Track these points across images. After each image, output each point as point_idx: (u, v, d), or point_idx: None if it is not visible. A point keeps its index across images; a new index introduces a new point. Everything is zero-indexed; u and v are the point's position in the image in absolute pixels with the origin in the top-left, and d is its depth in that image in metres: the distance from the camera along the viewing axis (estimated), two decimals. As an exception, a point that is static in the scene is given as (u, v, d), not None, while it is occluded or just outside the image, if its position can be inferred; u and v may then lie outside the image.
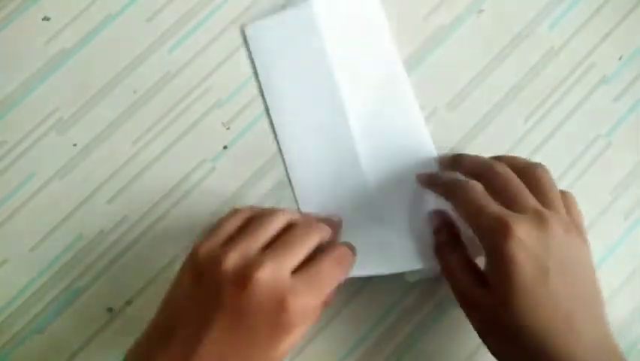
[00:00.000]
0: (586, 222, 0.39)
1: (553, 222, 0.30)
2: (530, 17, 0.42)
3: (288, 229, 0.33)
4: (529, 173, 0.33)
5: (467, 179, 0.34)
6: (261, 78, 0.41)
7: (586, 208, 0.39)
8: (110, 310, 0.39)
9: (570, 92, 0.41)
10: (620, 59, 0.41)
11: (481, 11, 0.42)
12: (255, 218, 0.33)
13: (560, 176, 0.40)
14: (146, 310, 0.38)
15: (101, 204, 0.40)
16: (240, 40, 0.42)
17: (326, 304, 0.33)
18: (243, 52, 0.42)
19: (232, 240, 0.31)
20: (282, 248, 0.31)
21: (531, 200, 0.32)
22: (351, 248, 0.34)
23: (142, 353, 0.31)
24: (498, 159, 0.36)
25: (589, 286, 0.31)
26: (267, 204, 0.40)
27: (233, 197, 0.40)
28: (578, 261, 0.31)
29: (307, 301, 0.30)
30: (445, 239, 0.36)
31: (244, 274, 0.29)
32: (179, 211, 0.40)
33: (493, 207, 0.31)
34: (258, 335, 0.29)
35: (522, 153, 0.40)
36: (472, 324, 0.33)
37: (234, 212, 0.34)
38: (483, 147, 0.40)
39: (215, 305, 0.29)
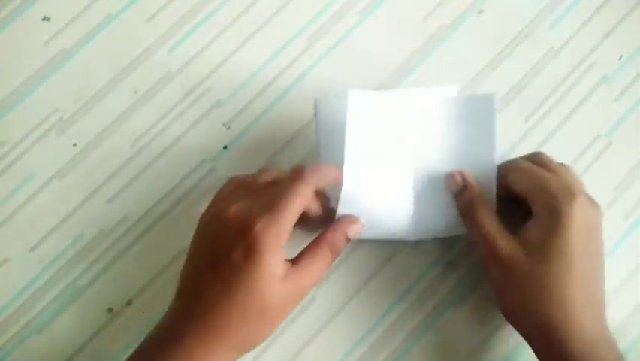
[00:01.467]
0: (586, 222, 0.39)
1: (599, 211, 0.34)
2: (530, 17, 0.42)
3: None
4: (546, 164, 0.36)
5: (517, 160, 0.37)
6: (321, 148, 0.38)
7: (586, 208, 0.39)
8: (110, 310, 0.39)
9: (570, 92, 0.41)
10: (620, 59, 0.41)
11: (481, 11, 0.42)
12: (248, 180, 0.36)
13: (560, 176, 0.40)
14: (146, 310, 0.38)
15: (101, 204, 0.40)
16: (240, 41, 0.42)
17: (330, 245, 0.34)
18: (242, 52, 0.42)
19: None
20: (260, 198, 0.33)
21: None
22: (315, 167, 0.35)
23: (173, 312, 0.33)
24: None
25: (602, 272, 0.34)
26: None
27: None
28: (601, 249, 0.34)
29: (270, 221, 0.31)
30: (474, 195, 0.35)
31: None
32: (179, 211, 0.40)
33: (554, 177, 0.34)
34: (234, 260, 0.31)
35: (522, 152, 0.40)
36: (491, 279, 0.35)
37: (229, 180, 0.37)
38: (483, 147, 0.40)
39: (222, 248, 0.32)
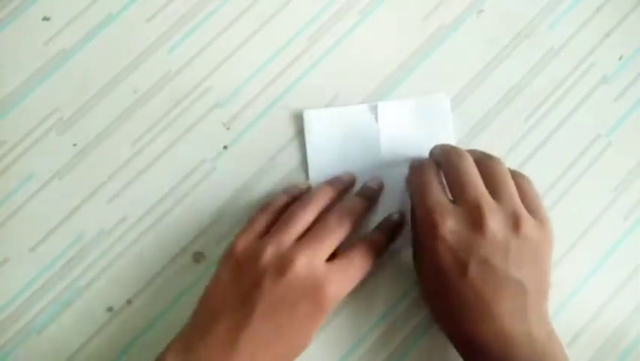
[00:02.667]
0: (586, 222, 0.39)
1: (490, 219, 0.31)
2: (530, 17, 0.42)
3: (320, 218, 0.35)
4: (482, 164, 0.34)
5: (426, 161, 0.36)
6: (309, 161, 0.40)
7: (586, 208, 0.39)
8: (110, 309, 0.39)
9: (570, 92, 0.41)
10: (620, 59, 0.41)
11: (481, 11, 0.42)
12: (288, 211, 0.36)
13: (560, 176, 0.40)
14: (147, 309, 0.38)
15: (101, 204, 0.40)
16: (240, 41, 0.42)
17: None
18: (242, 52, 0.42)
19: (268, 234, 0.35)
20: (315, 239, 0.34)
21: (475, 193, 0.32)
22: (386, 232, 0.37)
23: (182, 346, 0.32)
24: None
25: (527, 278, 0.31)
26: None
27: (233, 197, 0.40)
28: (519, 254, 0.31)
29: (341, 286, 0.33)
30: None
31: (282, 265, 0.32)
32: (179, 211, 0.40)
33: (434, 195, 0.33)
34: (296, 320, 0.32)
35: (522, 152, 0.40)
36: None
37: (267, 206, 0.37)
38: (483, 147, 0.40)
39: (256, 295, 0.32)
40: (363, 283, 0.38)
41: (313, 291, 0.32)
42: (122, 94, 0.41)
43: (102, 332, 0.38)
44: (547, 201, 0.39)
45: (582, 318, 0.38)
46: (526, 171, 0.39)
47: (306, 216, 0.35)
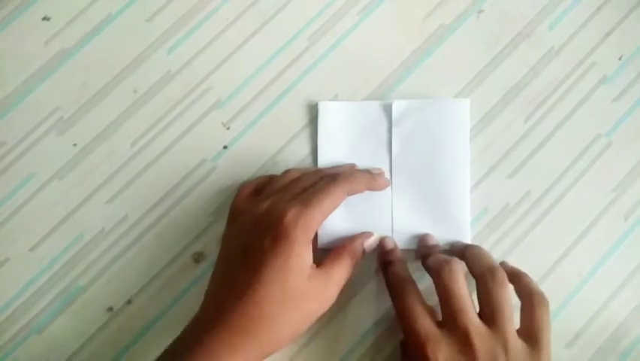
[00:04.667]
0: (586, 222, 0.39)
1: (479, 350, 0.31)
2: (530, 17, 0.42)
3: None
4: (482, 282, 0.33)
5: (408, 277, 0.36)
6: (319, 152, 0.40)
7: (586, 208, 0.39)
8: (110, 309, 0.39)
9: (570, 92, 0.41)
10: (620, 59, 0.41)
11: (481, 11, 0.42)
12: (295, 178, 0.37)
13: (560, 176, 0.40)
14: (147, 309, 0.38)
15: (101, 204, 0.40)
16: (240, 41, 0.42)
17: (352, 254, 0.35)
18: (242, 52, 0.42)
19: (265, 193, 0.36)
20: (308, 196, 0.34)
21: (466, 320, 0.32)
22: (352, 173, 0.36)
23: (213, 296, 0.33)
24: (464, 249, 0.36)
25: None
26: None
27: (233, 197, 0.40)
28: None
29: (301, 212, 0.32)
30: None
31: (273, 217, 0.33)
32: (179, 211, 0.40)
33: (422, 322, 0.33)
34: (264, 247, 0.32)
35: (522, 153, 0.40)
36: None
37: (250, 183, 0.39)
38: (483, 147, 0.40)
39: (256, 253, 0.32)
40: (362, 286, 0.38)
41: (275, 221, 0.32)
42: (122, 94, 0.41)
43: (102, 332, 0.38)
44: (547, 201, 0.39)
45: (582, 318, 0.38)
46: (526, 171, 0.40)
47: (307, 178, 0.36)
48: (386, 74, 0.41)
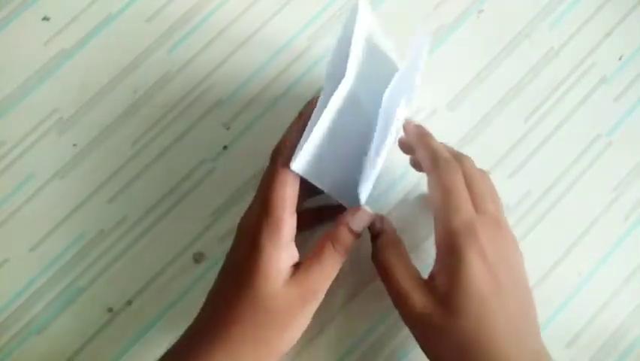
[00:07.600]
0: (586, 222, 0.39)
1: (507, 231, 0.31)
2: (530, 17, 0.42)
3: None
4: (467, 176, 0.32)
5: (453, 159, 0.32)
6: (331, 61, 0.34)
7: (586, 208, 0.39)
8: (110, 310, 0.39)
9: (570, 92, 0.41)
10: (620, 59, 0.41)
11: (481, 11, 0.42)
12: None
13: (560, 176, 0.40)
14: (146, 310, 0.38)
15: (101, 204, 0.40)
16: (240, 41, 0.42)
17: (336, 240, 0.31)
18: (242, 52, 0.42)
19: None
20: None
21: (491, 205, 0.31)
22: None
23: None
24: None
25: (528, 294, 0.31)
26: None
27: (233, 197, 0.40)
28: (518, 266, 0.31)
29: (260, 216, 0.30)
30: (389, 242, 0.33)
31: None
32: (179, 211, 0.40)
33: (467, 206, 0.30)
34: (239, 261, 0.31)
35: (522, 153, 0.40)
36: (416, 340, 0.31)
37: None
38: (483, 147, 0.40)
39: None
40: (362, 287, 0.38)
41: (245, 233, 0.31)
42: (122, 94, 0.41)
43: (102, 332, 0.38)
44: (547, 201, 0.39)
45: (582, 318, 0.38)
46: (526, 171, 0.40)
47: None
48: (386, 74, 0.41)
